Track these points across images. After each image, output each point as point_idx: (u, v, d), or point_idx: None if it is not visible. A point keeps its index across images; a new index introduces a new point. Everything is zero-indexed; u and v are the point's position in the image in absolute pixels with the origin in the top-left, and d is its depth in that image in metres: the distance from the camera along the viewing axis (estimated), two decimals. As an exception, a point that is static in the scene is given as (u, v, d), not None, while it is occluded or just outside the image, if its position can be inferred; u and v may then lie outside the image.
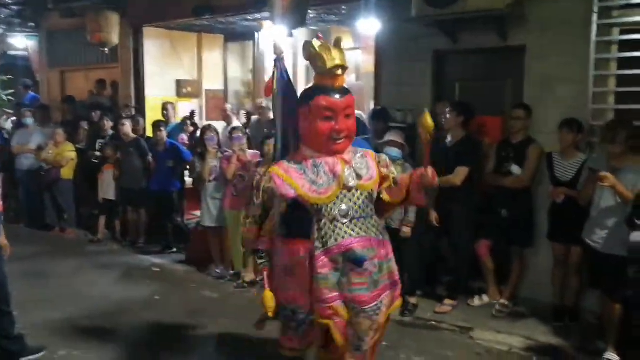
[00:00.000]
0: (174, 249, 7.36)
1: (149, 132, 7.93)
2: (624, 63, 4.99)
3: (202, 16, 8.17)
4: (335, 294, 3.01)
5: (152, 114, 8.95)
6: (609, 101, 5.08)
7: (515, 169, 5.09)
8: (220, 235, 6.43)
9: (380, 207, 3.24)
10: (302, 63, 10.38)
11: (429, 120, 2.96)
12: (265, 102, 7.83)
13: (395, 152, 5.00)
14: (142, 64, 9.42)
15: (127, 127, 7.72)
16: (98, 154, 8.15)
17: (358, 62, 9.60)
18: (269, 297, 3.18)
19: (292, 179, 3.04)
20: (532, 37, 5.29)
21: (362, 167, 3.13)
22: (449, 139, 5.23)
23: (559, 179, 4.87)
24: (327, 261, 3.00)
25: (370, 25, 6.26)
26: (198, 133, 7.33)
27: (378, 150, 4.24)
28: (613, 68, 5.06)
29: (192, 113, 9.20)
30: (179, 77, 10.11)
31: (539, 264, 5.25)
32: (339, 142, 3.05)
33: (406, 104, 6.09)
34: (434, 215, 5.15)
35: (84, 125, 8.80)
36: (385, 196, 3.23)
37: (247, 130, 7.28)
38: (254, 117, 7.99)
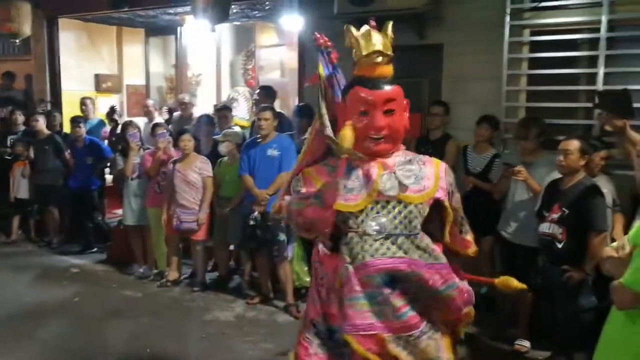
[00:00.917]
0: (95, 249, 7.14)
1: (67, 128, 7.63)
2: (534, 63, 5.25)
3: (120, 9, 7.92)
4: (374, 321, 2.47)
5: (70, 109, 8.58)
6: (520, 99, 5.33)
7: (434, 164, 5.24)
8: (142, 233, 6.28)
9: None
10: (226, 60, 10.26)
11: None
12: (188, 97, 7.71)
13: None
14: (57, 57, 8.98)
15: (41, 123, 7.41)
16: (9, 150, 7.77)
17: (282, 58, 9.57)
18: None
19: (318, 178, 2.63)
20: (448, 36, 5.46)
21: (410, 174, 2.58)
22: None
23: (470, 170, 5.08)
24: (356, 282, 2.49)
25: (293, 22, 6.27)
26: (119, 129, 7.13)
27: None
28: (524, 67, 5.30)
29: (113, 108, 8.92)
30: (97, 72, 9.78)
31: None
32: (378, 141, 2.55)
33: (330, 100, 6.12)
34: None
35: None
36: (445, 236, 2.77)
37: (170, 126, 7.15)
38: (176, 113, 7.84)
